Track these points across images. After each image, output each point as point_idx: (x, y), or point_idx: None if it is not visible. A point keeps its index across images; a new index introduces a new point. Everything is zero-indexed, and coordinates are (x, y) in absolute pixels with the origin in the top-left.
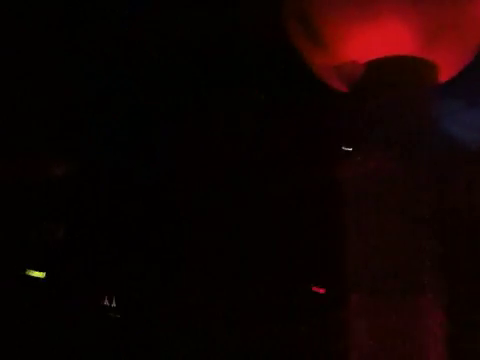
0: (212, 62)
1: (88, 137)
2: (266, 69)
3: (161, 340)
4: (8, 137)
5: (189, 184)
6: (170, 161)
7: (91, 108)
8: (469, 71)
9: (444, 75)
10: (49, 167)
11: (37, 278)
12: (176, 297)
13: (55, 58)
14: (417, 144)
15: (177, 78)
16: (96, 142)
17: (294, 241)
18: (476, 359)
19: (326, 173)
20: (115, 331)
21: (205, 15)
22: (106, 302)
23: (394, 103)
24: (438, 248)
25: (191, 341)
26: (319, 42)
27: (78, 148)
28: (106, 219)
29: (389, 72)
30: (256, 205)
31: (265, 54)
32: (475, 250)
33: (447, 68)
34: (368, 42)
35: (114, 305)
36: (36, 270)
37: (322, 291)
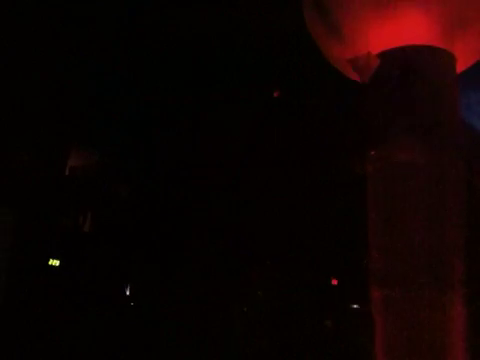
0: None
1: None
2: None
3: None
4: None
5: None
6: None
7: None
8: None
9: (461, 65)
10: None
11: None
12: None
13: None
14: (442, 135)
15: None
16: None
17: (320, 237)
18: None
19: (352, 167)
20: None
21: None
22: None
23: (414, 92)
24: (464, 243)
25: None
26: (337, 32)
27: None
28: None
29: (404, 61)
30: (275, 198)
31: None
32: None
33: (464, 58)
34: (386, 32)
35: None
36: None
37: (335, 282)
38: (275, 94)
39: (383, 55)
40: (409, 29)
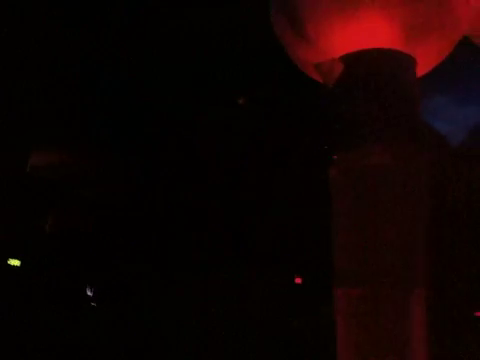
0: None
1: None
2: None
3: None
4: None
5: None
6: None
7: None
8: (451, 66)
9: (422, 69)
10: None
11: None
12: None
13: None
14: (406, 139)
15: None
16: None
17: (285, 238)
18: (461, 356)
19: (318, 170)
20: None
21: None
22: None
23: (376, 96)
24: (427, 244)
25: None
26: (303, 35)
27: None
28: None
29: (367, 64)
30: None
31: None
32: (467, 248)
33: (426, 62)
34: (349, 35)
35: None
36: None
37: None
38: (241, 102)
39: (346, 58)
40: (371, 32)
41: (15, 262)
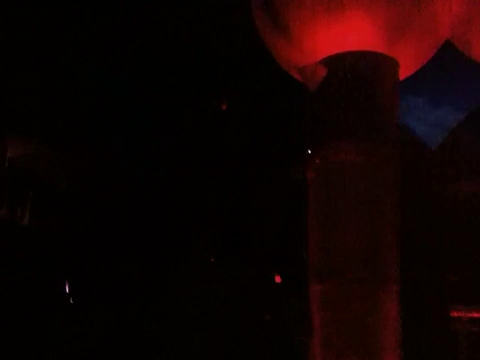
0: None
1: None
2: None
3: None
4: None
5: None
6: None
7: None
8: (432, 69)
9: (405, 71)
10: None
11: None
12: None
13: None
14: (381, 138)
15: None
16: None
17: (259, 234)
18: (432, 353)
19: (291, 167)
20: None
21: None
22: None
23: (357, 97)
24: (399, 240)
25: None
26: (286, 35)
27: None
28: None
29: (350, 66)
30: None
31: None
32: (437, 244)
33: (408, 65)
34: (332, 36)
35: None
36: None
37: (278, 280)
38: (223, 107)
39: (328, 60)
40: (354, 34)
41: None
